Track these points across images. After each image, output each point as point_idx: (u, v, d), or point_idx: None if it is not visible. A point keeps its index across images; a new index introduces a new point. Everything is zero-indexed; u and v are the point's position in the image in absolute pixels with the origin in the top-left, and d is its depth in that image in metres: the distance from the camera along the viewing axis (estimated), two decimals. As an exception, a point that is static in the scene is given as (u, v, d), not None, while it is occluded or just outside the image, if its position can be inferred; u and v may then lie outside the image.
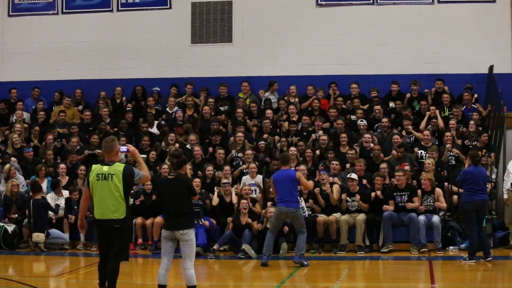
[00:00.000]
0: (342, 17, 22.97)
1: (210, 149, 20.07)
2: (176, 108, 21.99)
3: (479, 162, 15.84)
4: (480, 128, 19.84)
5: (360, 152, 19.39)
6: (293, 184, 15.45)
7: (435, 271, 14.78)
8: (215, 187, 18.59)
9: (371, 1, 22.94)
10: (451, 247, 17.19)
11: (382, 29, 22.65)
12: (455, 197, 18.02)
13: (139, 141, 20.58)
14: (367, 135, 19.64)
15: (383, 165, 18.54)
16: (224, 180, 18.36)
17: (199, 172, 18.89)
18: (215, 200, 18.20)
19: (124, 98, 22.88)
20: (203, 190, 18.12)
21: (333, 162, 18.64)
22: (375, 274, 15.67)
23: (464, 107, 20.79)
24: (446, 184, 18.25)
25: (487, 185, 16.21)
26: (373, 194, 17.66)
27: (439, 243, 17.06)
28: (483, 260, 15.44)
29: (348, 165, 18.89)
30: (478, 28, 22.28)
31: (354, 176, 17.83)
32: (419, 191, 17.60)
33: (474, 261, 15.36)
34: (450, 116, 20.35)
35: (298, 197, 15.92)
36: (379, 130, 20.35)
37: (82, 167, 19.23)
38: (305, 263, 15.31)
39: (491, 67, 21.61)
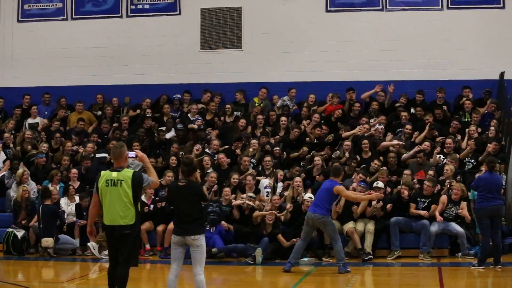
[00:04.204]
0: (352, 23, 22.96)
1: (238, 151, 20.06)
2: (197, 116, 21.92)
3: (494, 168, 15.79)
4: (500, 134, 19.84)
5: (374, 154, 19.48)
6: (327, 193, 15.34)
7: (445, 278, 14.74)
8: (241, 195, 18.49)
9: (380, 7, 22.95)
10: (460, 254, 17.12)
11: (391, 35, 22.65)
12: (464, 203, 17.96)
13: (153, 147, 20.69)
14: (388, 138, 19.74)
15: (407, 172, 18.50)
16: (250, 194, 18.20)
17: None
18: (236, 203, 18.03)
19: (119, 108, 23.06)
20: (221, 198, 18.26)
21: (360, 174, 18.16)
22: (384, 280, 15.63)
23: (487, 111, 20.78)
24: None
25: (501, 192, 16.20)
26: (388, 206, 17.51)
27: (465, 250, 17.07)
28: (492, 266, 15.40)
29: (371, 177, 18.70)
30: (488, 34, 22.26)
31: (381, 184, 17.69)
32: (444, 197, 17.55)
33: (483, 267, 15.33)
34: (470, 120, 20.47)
35: (329, 207, 15.70)
36: (399, 135, 20.32)
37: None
38: (348, 269, 15.25)
39: (502, 74, 21.57)
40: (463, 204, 17.49)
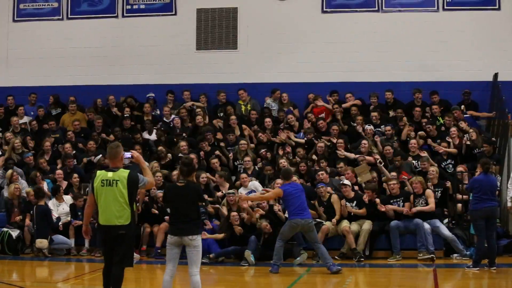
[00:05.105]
0: (347, 24, 22.99)
1: (202, 153, 20.03)
2: (173, 116, 21.91)
3: (489, 170, 15.80)
4: (492, 139, 19.84)
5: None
6: (304, 195, 15.56)
7: (439, 279, 14.75)
8: (221, 199, 18.55)
9: (376, 8, 22.96)
10: (455, 255, 17.13)
11: (386, 36, 22.68)
12: (459, 205, 18.00)
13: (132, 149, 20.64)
14: (364, 141, 19.65)
15: (373, 175, 18.59)
16: (229, 190, 18.25)
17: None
18: (224, 211, 18.03)
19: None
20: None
21: (318, 173, 18.54)
22: (378, 281, 15.59)
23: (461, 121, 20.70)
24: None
25: (495, 193, 16.24)
26: (364, 197, 17.65)
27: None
28: (487, 268, 15.42)
29: (338, 177, 18.90)
30: (482, 35, 22.29)
31: (346, 182, 17.84)
32: (411, 197, 17.63)
33: (478, 268, 15.35)
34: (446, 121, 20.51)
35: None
36: (384, 137, 20.34)
37: (75, 175, 19.33)
38: (339, 268, 15.32)
39: (495, 75, 21.61)
40: (428, 192, 17.49)
